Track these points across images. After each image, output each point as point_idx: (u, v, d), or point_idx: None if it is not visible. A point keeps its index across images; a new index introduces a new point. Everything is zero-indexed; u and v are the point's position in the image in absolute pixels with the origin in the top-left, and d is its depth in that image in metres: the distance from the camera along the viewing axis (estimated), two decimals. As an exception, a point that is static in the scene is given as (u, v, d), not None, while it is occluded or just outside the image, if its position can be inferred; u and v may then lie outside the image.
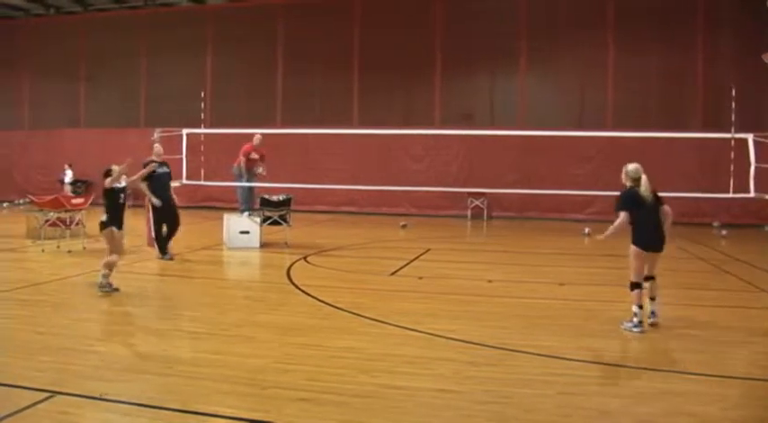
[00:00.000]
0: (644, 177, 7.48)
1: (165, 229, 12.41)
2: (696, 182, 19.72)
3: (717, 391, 5.48)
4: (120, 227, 9.24)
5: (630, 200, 7.46)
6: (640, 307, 7.36)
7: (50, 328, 7.10)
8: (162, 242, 12.35)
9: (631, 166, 7.58)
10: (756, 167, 13.19)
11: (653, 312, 7.56)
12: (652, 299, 7.60)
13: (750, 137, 13.38)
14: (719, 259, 13.36)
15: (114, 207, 9.22)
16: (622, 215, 7.45)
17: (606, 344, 6.85)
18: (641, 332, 7.24)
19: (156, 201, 12.07)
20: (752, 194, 13.30)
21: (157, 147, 12.77)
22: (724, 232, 18.54)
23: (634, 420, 4.83)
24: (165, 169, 12.51)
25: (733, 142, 14.12)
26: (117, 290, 9.13)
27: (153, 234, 12.71)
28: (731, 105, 15.10)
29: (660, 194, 7.65)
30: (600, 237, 7.76)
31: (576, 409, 4.99)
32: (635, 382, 5.67)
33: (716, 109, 20.46)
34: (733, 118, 14.56)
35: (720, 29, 21.82)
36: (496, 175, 21.69)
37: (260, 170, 15.36)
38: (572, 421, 4.80)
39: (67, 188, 25.87)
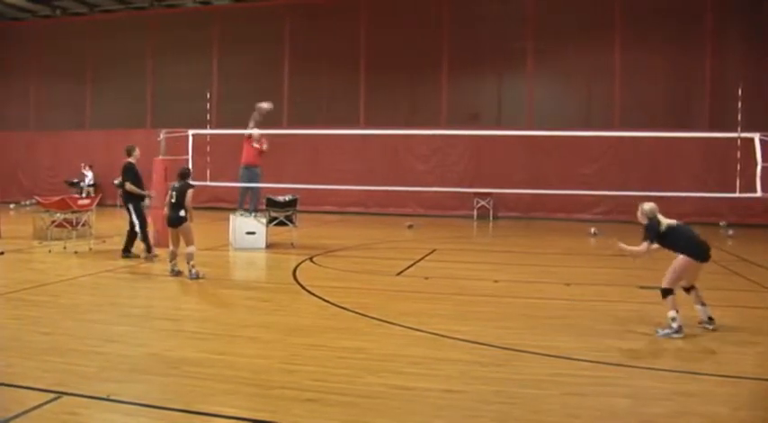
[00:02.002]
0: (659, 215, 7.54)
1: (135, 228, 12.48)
2: (703, 181, 19.67)
3: (726, 391, 5.45)
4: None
5: (656, 231, 7.44)
6: (677, 311, 7.21)
7: (57, 329, 7.11)
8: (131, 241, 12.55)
9: (647, 206, 7.60)
10: (763, 167, 13.12)
11: (710, 318, 7.47)
12: (704, 305, 7.53)
13: (756, 136, 13.28)
14: (727, 259, 13.31)
15: (184, 203, 10.52)
16: (645, 245, 7.43)
17: (613, 344, 6.82)
18: (682, 337, 7.07)
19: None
20: (758, 194, 13.21)
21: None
22: (731, 232, 18.47)
23: (642, 421, 4.80)
24: None
25: (739, 142, 14.03)
26: (179, 274, 10.54)
27: (141, 234, 12.59)
28: (737, 105, 15.02)
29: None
30: (621, 246, 7.71)
31: (583, 410, 4.97)
32: (643, 383, 5.64)
33: (722, 108, 20.35)
34: (739, 117, 14.48)
35: (727, 29, 21.76)
36: (503, 176, 21.67)
37: (265, 105, 15.42)
38: (579, 422, 4.78)
39: (89, 190, 25.72)
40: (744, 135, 13.76)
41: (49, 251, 13.10)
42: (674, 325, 7.14)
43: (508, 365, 6.06)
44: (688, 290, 7.60)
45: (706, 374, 5.81)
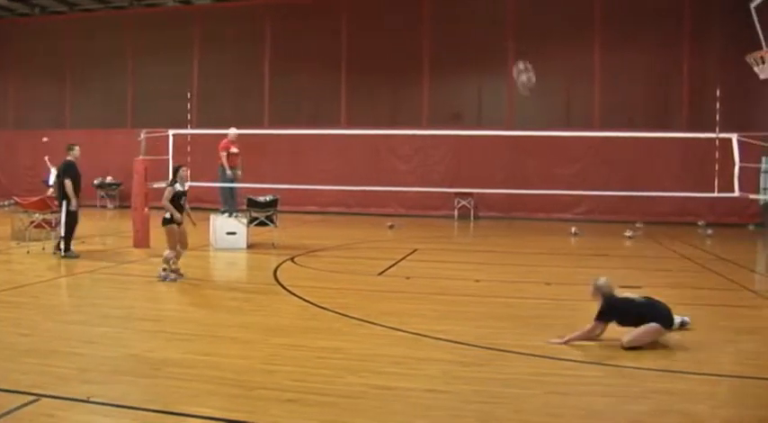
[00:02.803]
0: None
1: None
2: (681, 181, 19.80)
3: (706, 390, 5.49)
4: (179, 224, 10.54)
5: (614, 311, 6.91)
6: None
7: (35, 331, 7.02)
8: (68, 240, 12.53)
9: (602, 280, 7.15)
10: (740, 167, 13.27)
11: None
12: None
13: (734, 137, 13.44)
14: (705, 258, 13.43)
15: (175, 207, 10.56)
16: (596, 324, 6.88)
17: (595, 343, 6.84)
18: None
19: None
20: (736, 194, 13.36)
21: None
22: (709, 231, 18.63)
23: (624, 419, 4.83)
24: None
25: (717, 142, 14.18)
26: (181, 276, 10.31)
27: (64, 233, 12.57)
28: (716, 106, 15.18)
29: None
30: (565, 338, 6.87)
31: (565, 409, 4.99)
32: (624, 381, 5.68)
33: (701, 109, 20.53)
34: (717, 118, 14.63)
35: (705, 30, 21.98)
36: (484, 176, 21.73)
37: (239, 172, 15.07)
38: (561, 421, 4.79)
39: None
40: (722, 135, 13.90)
41: (28, 252, 12.96)
42: None
43: (490, 365, 6.07)
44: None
45: (686, 373, 5.85)
